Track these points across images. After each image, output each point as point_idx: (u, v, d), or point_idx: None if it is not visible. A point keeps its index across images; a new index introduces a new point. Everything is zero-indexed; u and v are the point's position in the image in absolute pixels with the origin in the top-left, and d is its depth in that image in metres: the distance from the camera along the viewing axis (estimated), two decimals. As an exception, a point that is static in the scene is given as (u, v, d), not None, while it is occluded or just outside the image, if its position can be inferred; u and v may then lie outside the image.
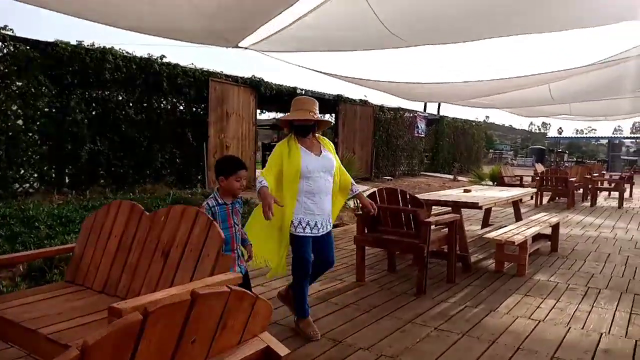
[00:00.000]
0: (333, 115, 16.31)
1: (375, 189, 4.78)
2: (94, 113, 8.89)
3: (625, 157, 38.95)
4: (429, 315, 3.78)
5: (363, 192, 3.81)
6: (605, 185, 13.63)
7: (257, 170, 12.39)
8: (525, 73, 6.20)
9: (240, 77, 11.75)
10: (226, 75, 11.38)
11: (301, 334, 3.30)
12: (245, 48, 5.58)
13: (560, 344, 3.27)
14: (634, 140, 54.78)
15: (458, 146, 23.99)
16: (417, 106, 21.51)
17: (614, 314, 3.89)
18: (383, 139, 18.00)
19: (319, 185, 3.28)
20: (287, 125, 3.44)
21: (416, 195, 4.68)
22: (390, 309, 3.92)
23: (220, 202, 2.79)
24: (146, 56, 9.81)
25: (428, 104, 23.26)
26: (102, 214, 2.85)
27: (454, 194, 6.06)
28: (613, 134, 69.62)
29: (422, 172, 21.13)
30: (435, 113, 24.03)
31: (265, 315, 1.20)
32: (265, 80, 12.34)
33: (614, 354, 3.13)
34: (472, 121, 26.22)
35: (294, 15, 4.43)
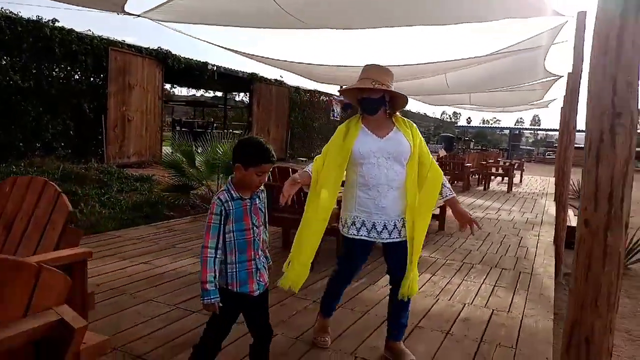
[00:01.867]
0: (247, 94, 16.05)
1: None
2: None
3: (524, 147, 42.46)
4: (311, 289, 3.87)
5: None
6: (500, 171, 14.79)
7: (163, 147, 11.89)
8: (421, 61, 6.47)
9: (145, 48, 11.12)
10: (129, 45, 10.70)
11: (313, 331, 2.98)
12: (138, 15, 5.26)
13: (426, 313, 3.51)
14: (532, 132, 59.89)
15: (372, 131, 24.75)
16: (333, 89, 21.78)
17: (480, 286, 4.24)
18: (299, 121, 18.06)
19: (375, 175, 2.53)
20: (356, 102, 2.70)
21: (308, 174, 4.73)
22: (276, 284, 3.95)
23: (235, 196, 2.08)
24: (35, 18, 8.92)
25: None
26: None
27: (351, 174, 6.22)
28: (515, 125, 75.56)
29: (336, 155, 21.55)
30: (352, 97, 24.43)
31: (59, 288, 1.13)
32: (173, 53, 11.78)
33: (471, 322, 3.42)
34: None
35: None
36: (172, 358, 2.64)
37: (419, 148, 2.61)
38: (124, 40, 10.68)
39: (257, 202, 2.14)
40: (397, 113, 2.68)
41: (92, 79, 10.04)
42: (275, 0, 4.33)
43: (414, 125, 2.69)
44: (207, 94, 29.19)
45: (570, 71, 5.94)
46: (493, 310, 3.66)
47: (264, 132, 15.90)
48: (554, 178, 10.82)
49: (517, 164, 14.66)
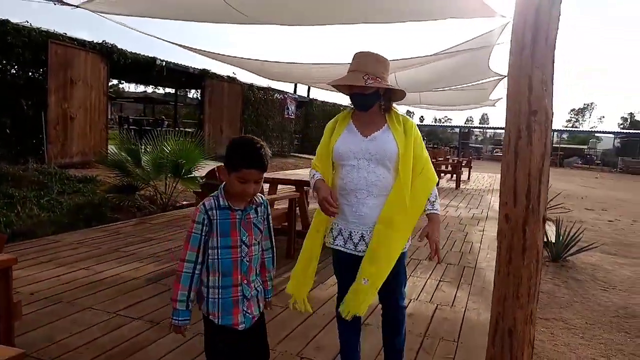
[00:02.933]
0: (199, 90, 15.72)
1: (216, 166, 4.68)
2: None
3: (474, 145, 43.95)
4: (284, 294, 3.82)
5: None
6: (448, 168, 15.23)
7: (109, 146, 11.44)
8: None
9: (89, 42, 10.65)
10: (70, 38, 10.21)
11: None
12: (77, 6, 5.02)
13: (372, 311, 3.54)
14: (481, 130, 62.11)
15: (327, 129, 24.86)
16: (288, 87, 21.74)
17: (426, 282, 4.33)
18: (252, 119, 17.87)
19: (353, 178, 2.20)
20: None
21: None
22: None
23: (222, 204, 1.75)
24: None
25: (298, 86, 23.61)
26: None
27: (301, 173, 6.21)
28: (465, 123, 78.05)
29: (292, 154, 21.50)
30: (305, 96, 24.49)
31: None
32: (120, 47, 11.35)
33: (416, 317, 3.48)
34: (342, 105, 27.30)
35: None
36: (109, 367, 2.53)
37: (412, 149, 2.23)
38: (66, 33, 10.18)
39: (252, 216, 1.80)
40: (394, 106, 2.34)
41: (30, 73, 9.51)
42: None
43: (410, 121, 2.31)
44: (158, 91, 28.38)
45: (511, 71, 6.17)
46: (437, 305, 3.75)
47: (217, 130, 15.63)
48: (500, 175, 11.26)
49: (465, 162, 15.15)
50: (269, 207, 1.91)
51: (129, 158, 6.82)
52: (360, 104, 2.23)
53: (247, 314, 1.81)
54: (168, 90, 26.20)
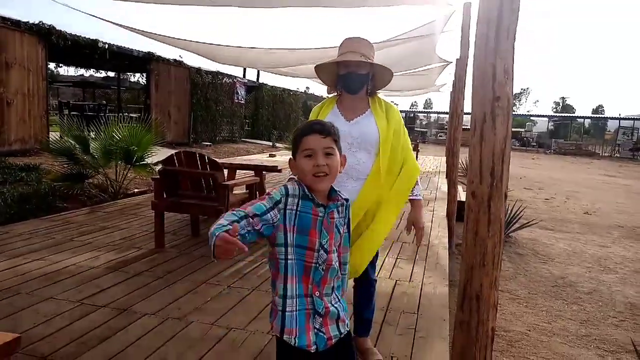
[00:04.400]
0: (143, 74, 15.18)
1: (174, 152, 4.63)
2: None
3: (419, 129, 45.20)
4: (223, 275, 3.88)
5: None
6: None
7: (50, 133, 10.89)
8: (324, 45, 6.61)
9: (24, 22, 10.01)
10: (3, 18, 9.55)
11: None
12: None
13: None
14: (425, 115, 63.85)
15: (277, 114, 24.76)
16: (237, 71, 21.41)
17: (384, 260, 4.54)
18: (201, 104, 17.50)
19: None
20: (332, 83, 2.41)
21: (215, 159, 4.68)
22: (186, 273, 3.90)
23: (308, 193, 1.46)
24: None
25: (247, 70, 23.31)
26: None
27: (258, 158, 6.25)
28: (410, 108, 79.95)
29: (242, 139, 21.30)
30: (255, 80, 24.22)
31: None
32: (58, 28, 10.74)
33: (377, 293, 3.64)
34: (291, 90, 27.24)
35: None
36: (85, 353, 2.51)
37: (394, 135, 2.32)
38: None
39: (335, 216, 1.50)
40: (378, 93, 2.43)
41: (-41, 56, 8.85)
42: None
43: (394, 108, 2.39)
44: (97, 74, 27.02)
45: (459, 57, 6.47)
46: (396, 281, 3.96)
47: (165, 115, 15.20)
48: (445, 157, 11.74)
49: (413, 146, 15.63)
50: (350, 209, 1.58)
51: (77, 145, 6.56)
52: (354, 84, 2.27)
53: (319, 334, 1.46)
54: (108, 73, 25.01)
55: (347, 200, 1.54)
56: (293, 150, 1.50)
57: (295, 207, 1.43)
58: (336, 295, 1.53)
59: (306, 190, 1.45)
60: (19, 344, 1.39)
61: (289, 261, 1.42)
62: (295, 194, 1.44)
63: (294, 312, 1.43)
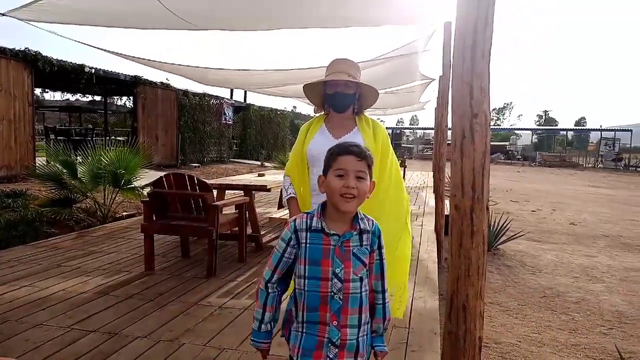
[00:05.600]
0: (130, 98, 15.22)
1: (163, 174, 4.65)
2: None
3: (405, 145, 45.68)
4: (215, 296, 3.87)
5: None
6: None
7: (37, 158, 10.82)
8: (311, 65, 6.75)
9: (10, 49, 10.03)
10: (-11, 45, 9.59)
11: None
12: (2, 14, 4.80)
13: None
14: (411, 131, 64.58)
15: (265, 134, 24.87)
16: (224, 92, 21.54)
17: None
18: (189, 125, 17.55)
19: None
20: (319, 102, 2.52)
21: (204, 180, 4.71)
22: (177, 295, 3.89)
23: (315, 225, 1.47)
24: None
25: (235, 91, 23.47)
26: None
27: (247, 178, 6.28)
28: (396, 124, 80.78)
29: (231, 159, 21.32)
30: (242, 101, 24.37)
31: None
32: (44, 54, 10.78)
33: (369, 308, 3.69)
34: (278, 110, 27.43)
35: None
36: (71, 380, 2.49)
37: (382, 150, 2.40)
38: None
39: (352, 244, 1.46)
40: (364, 113, 2.53)
41: (-57, 84, 8.82)
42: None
43: (380, 126, 2.49)
44: (83, 99, 26.97)
45: (441, 74, 6.63)
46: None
47: (152, 137, 15.21)
48: (432, 172, 11.87)
49: (400, 161, 15.79)
50: (382, 237, 1.53)
51: (64, 170, 6.54)
52: (340, 103, 2.39)
53: None
54: (94, 98, 25.01)
55: (376, 228, 1.51)
56: (325, 168, 1.50)
57: (305, 240, 1.46)
58: (364, 327, 1.49)
59: (314, 223, 1.47)
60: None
61: (303, 292, 1.46)
62: (302, 227, 1.47)
63: (299, 333, 1.48)
